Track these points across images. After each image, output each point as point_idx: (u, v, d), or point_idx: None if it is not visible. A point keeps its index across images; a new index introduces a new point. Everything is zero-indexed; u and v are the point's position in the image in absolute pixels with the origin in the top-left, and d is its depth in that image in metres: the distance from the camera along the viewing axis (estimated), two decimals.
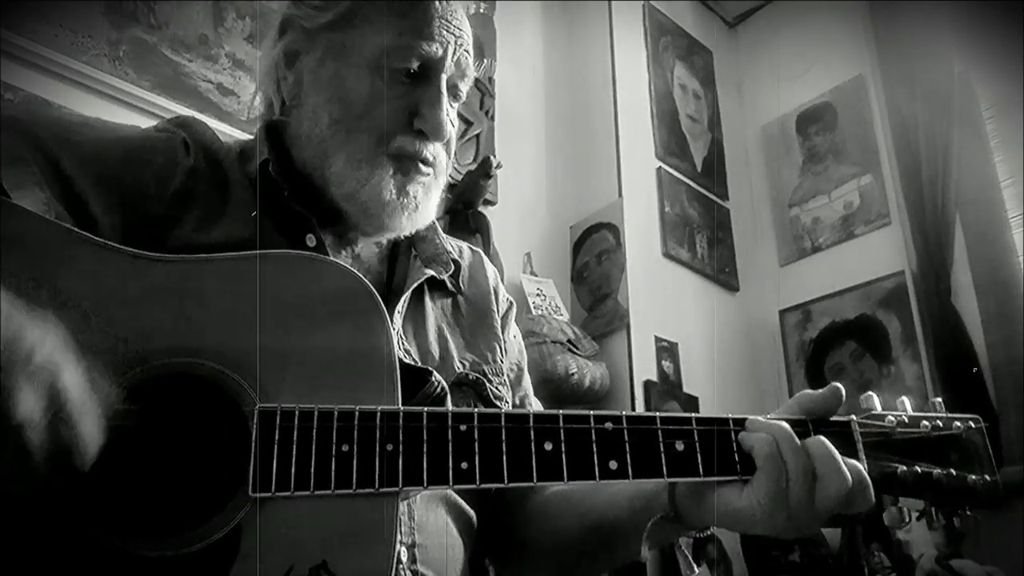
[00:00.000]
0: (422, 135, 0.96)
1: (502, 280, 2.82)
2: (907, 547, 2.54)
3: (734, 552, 2.76)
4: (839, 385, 0.85)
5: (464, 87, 1.04)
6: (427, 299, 1.05)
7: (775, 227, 3.71)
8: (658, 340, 3.03)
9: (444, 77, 0.98)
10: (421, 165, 0.97)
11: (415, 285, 1.01)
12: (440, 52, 0.97)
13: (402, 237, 1.08)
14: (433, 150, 0.98)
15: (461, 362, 1.02)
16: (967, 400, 2.76)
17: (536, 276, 3.00)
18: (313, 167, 0.98)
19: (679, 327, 3.13)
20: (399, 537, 0.76)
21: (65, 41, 2.03)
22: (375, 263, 1.06)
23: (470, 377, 1.01)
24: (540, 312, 2.82)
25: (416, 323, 1.01)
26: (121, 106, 2.10)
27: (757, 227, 3.77)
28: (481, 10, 3.24)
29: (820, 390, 0.86)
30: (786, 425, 0.80)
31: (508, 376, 1.11)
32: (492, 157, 2.82)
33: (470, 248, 1.21)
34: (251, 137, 1.07)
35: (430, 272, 1.05)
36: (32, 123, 0.87)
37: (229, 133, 1.84)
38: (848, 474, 0.76)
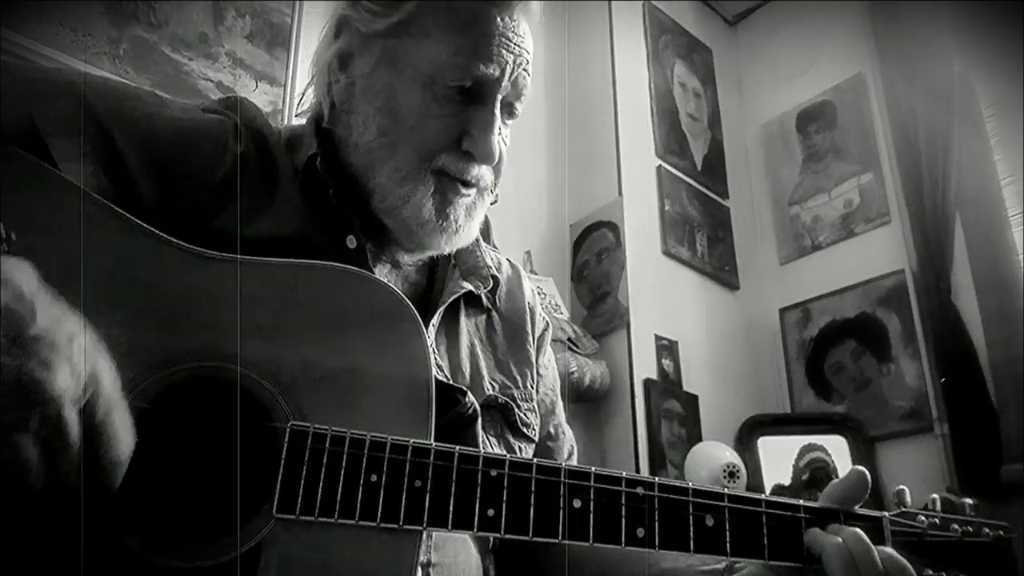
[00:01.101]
0: (470, 156, 0.94)
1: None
2: None
3: None
4: (864, 471, 0.85)
5: (519, 107, 1.01)
6: (462, 314, 1.03)
7: (775, 225, 3.71)
8: (658, 338, 3.03)
9: (499, 97, 0.95)
10: (462, 187, 0.94)
11: (452, 299, 1.00)
12: (497, 73, 0.92)
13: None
14: (478, 172, 0.96)
15: (491, 383, 1.00)
16: (967, 399, 2.76)
17: (536, 274, 3.00)
18: (359, 175, 0.96)
19: (679, 325, 3.14)
20: (417, 555, 0.75)
21: (65, 40, 2.03)
22: (413, 272, 1.04)
23: (499, 401, 0.99)
24: None
25: (449, 338, 0.99)
26: None
27: (757, 225, 3.77)
28: None
29: (844, 478, 0.85)
30: (862, 535, 0.79)
31: (543, 401, 1.09)
32: None
33: (510, 262, 1.19)
34: (297, 124, 1.05)
35: (468, 286, 1.03)
36: (87, 90, 0.85)
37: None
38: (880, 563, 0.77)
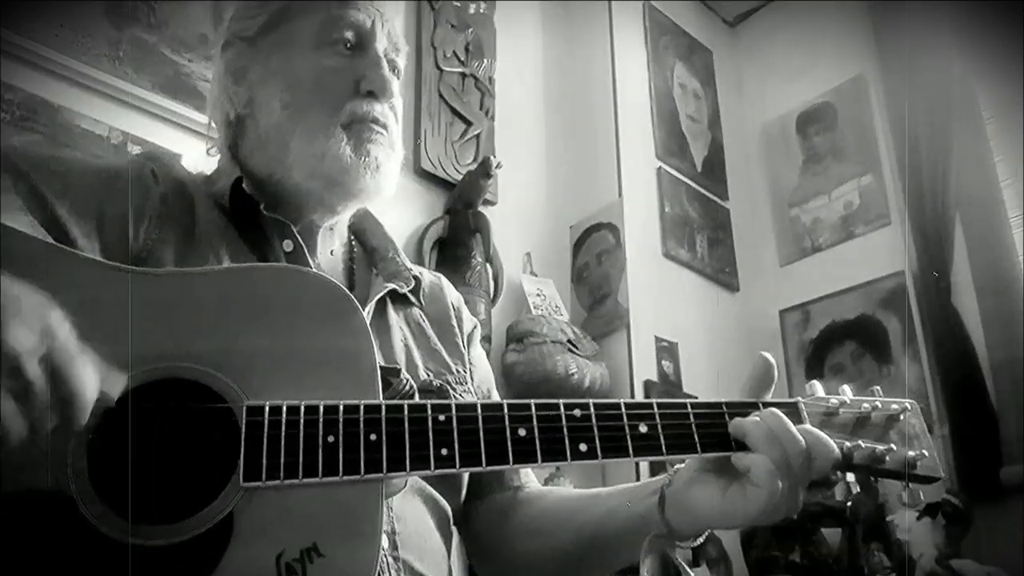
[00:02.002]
0: (371, 95, 1.02)
1: (502, 279, 2.82)
2: (907, 547, 2.54)
3: (734, 552, 2.76)
4: (767, 355, 0.93)
5: (401, 61, 1.10)
6: (390, 310, 1.08)
7: (775, 227, 3.71)
8: (658, 340, 3.03)
9: (379, 47, 1.06)
10: (374, 126, 1.02)
11: (378, 296, 1.05)
12: (369, 22, 1.05)
13: (359, 252, 1.14)
14: (382, 111, 1.03)
15: (426, 371, 1.06)
16: (967, 400, 2.76)
17: (536, 276, 3.00)
18: (274, 161, 1.03)
19: (679, 327, 3.13)
20: (384, 522, 0.79)
21: (65, 41, 2.03)
22: (335, 275, 1.08)
23: (434, 384, 1.04)
24: (540, 312, 2.82)
25: (380, 334, 1.03)
26: (121, 106, 2.10)
27: (757, 227, 3.77)
28: (481, 10, 3.24)
29: (751, 370, 0.93)
30: (776, 410, 0.86)
31: (479, 389, 1.14)
32: (492, 157, 2.82)
33: (431, 273, 1.25)
34: (213, 169, 1.11)
35: (391, 285, 1.08)
36: (13, 154, 0.92)
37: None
38: (834, 444, 0.85)
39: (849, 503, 2.64)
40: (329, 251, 1.11)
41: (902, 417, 0.95)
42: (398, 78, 1.09)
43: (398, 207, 2.67)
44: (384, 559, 0.88)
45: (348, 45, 1.04)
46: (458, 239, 2.73)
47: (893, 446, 0.92)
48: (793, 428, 0.84)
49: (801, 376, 3.38)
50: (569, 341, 2.75)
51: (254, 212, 1.01)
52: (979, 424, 2.72)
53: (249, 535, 0.71)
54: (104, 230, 0.91)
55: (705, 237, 3.46)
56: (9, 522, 0.67)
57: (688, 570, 0.97)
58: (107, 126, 2.06)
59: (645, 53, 3.55)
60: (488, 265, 2.75)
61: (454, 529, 1.07)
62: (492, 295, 2.75)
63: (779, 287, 3.57)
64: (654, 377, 2.94)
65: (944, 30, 3.20)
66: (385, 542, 0.88)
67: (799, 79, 3.77)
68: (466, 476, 1.08)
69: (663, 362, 3.01)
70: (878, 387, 0.96)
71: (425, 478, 0.99)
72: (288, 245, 1.01)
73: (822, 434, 0.85)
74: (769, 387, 0.92)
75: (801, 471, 0.83)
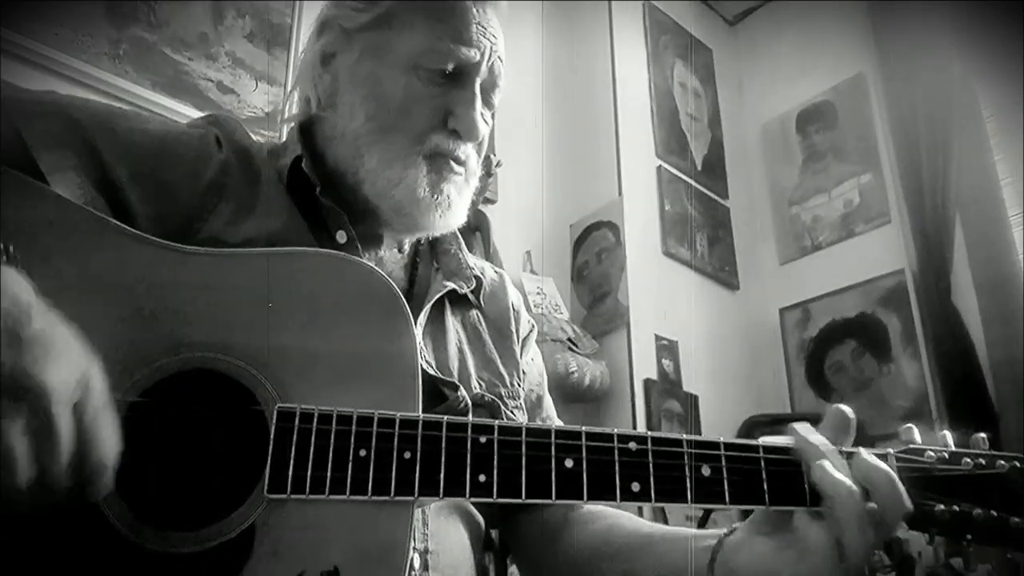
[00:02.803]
0: (456, 135, 0.98)
1: None
2: (907, 546, 2.54)
3: None
4: (844, 409, 0.82)
5: (496, 97, 1.05)
6: (448, 313, 1.04)
7: (775, 225, 3.71)
8: (658, 338, 3.03)
9: (478, 81, 1.00)
10: (454, 164, 0.98)
11: (437, 297, 1.01)
12: (476, 57, 0.99)
13: (423, 244, 1.09)
14: (466, 151, 0.99)
15: (478, 381, 1.02)
16: (967, 399, 2.76)
17: (536, 274, 3.00)
18: (347, 165, 0.99)
19: (679, 325, 3.14)
20: (413, 544, 0.75)
21: (65, 40, 2.03)
22: (397, 269, 1.06)
23: (486, 399, 1.00)
24: (540, 310, 2.82)
25: (436, 337, 1.00)
26: (121, 104, 2.10)
27: (757, 225, 3.77)
28: None
29: (826, 420, 0.82)
30: (888, 470, 0.76)
31: (528, 398, 1.10)
32: (492, 155, 2.81)
33: (494, 269, 1.20)
34: (278, 140, 1.08)
35: (452, 285, 1.04)
36: (72, 107, 0.88)
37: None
38: (908, 500, 0.74)
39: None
40: (395, 248, 1.07)
41: (1009, 476, 0.83)
42: (491, 111, 1.05)
43: None
44: None
45: (446, 74, 0.97)
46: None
47: (994, 512, 0.80)
48: (902, 490, 0.73)
49: (801, 375, 3.38)
50: (569, 339, 2.75)
51: (312, 195, 0.97)
52: (979, 423, 2.72)
53: (269, 551, 0.69)
54: (160, 196, 0.87)
55: (705, 235, 3.46)
56: (34, 525, 0.65)
57: None
58: None
59: (645, 52, 3.55)
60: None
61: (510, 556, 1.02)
62: None
63: (779, 285, 3.57)
64: (654, 375, 2.94)
65: (944, 29, 3.20)
66: (417, 561, 0.85)
67: (799, 78, 3.77)
68: None
69: (663, 360, 3.01)
70: (984, 435, 0.85)
71: None
72: (342, 236, 0.97)
73: (902, 492, 0.73)
74: (848, 438, 0.80)
75: (876, 540, 0.72)
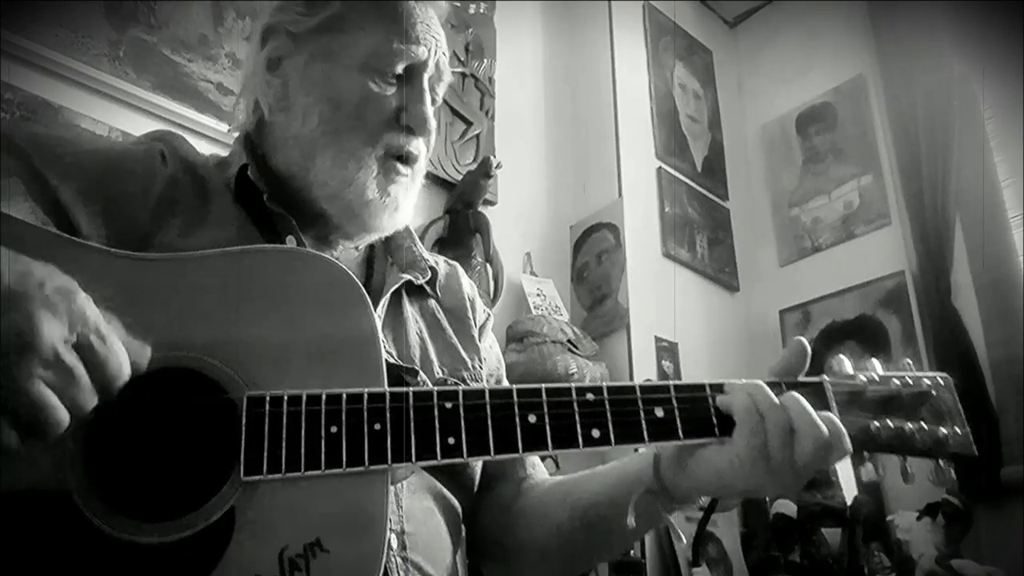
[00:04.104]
0: (409, 131, 1.01)
1: (502, 279, 2.82)
2: (907, 547, 2.54)
3: (734, 553, 2.76)
4: (802, 339, 0.90)
5: (441, 90, 1.09)
6: (406, 303, 1.07)
7: (775, 227, 3.71)
8: (658, 340, 3.03)
9: (427, 77, 1.04)
10: (400, 166, 1.01)
11: (394, 288, 1.03)
12: (425, 54, 1.02)
13: (379, 242, 1.12)
14: (418, 146, 1.03)
15: (441, 367, 1.04)
16: (967, 400, 2.76)
17: (536, 276, 3.00)
18: (298, 168, 1.01)
19: (679, 327, 3.13)
20: (389, 521, 0.77)
21: (65, 41, 2.04)
22: (353, 267, 1.07)
23: (448, 383, 1.02)
24: (540, 312, 2.82)
25: (395, 328, 1.02)
26: (121, 106, 2.10)
27: (757, 227, 3.77)
28: (481, 10, 3.24)
29: (785, 351, 0.90)
30: (761, 383, 0.84)
31: (488, 381, 1.13)
32: (492, 157, 2.82)
33: (446, 261, 1.24)
34: (227, 153, 1.09)
35: (407, 276, 1.07)
36: (16, 137, 0.89)
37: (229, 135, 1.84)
38: (823, 425, 0.80)
39: (849, 505, 2.64)
40: (352, 247, 1.09)
41: (934, 393, 0.90)
42: (436, 105, 1.07)
43: None
44: (393, 559, 0.86)
45: (397, 73, 1.01)
46: (458, 239, 2.73)
47: (924, 424, 0.88)
48: (776, 404, 0.81)
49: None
50: (569, 341, 2.75)
51: (260, 202, 0.99)
52: (979, 424, 2.72)
53: (251, 530, 0.70)
54: (110, 213, 0.89)
55: (705, 237, 3.46)
56: (9, 521, 0.66)
57: (678, 530, 0.94)
58: (107, 126, 2.06)
59: (645, 53, 3.55)
60: (488, 265, 2.75)
61: (463, 528, 1.06)
62: (492, 295, 2.75)
63: (779, 287, 3.57)
64: (654, 377, 2.93)
65: (944, 30, 3.20)
66: (394, 542, 0.87)
67: (799, 79, 3.77)
68: (477, 472, 1.07)
69: (663, 362, 3.01)
70: (909, 360, 0.93)
71: (436, 475, 0.97)
72: (291, 241, 0.99)
73: (842, 431, 0.81)
74: (798, 372, 0.89)
75: (781, 451, 0.79)
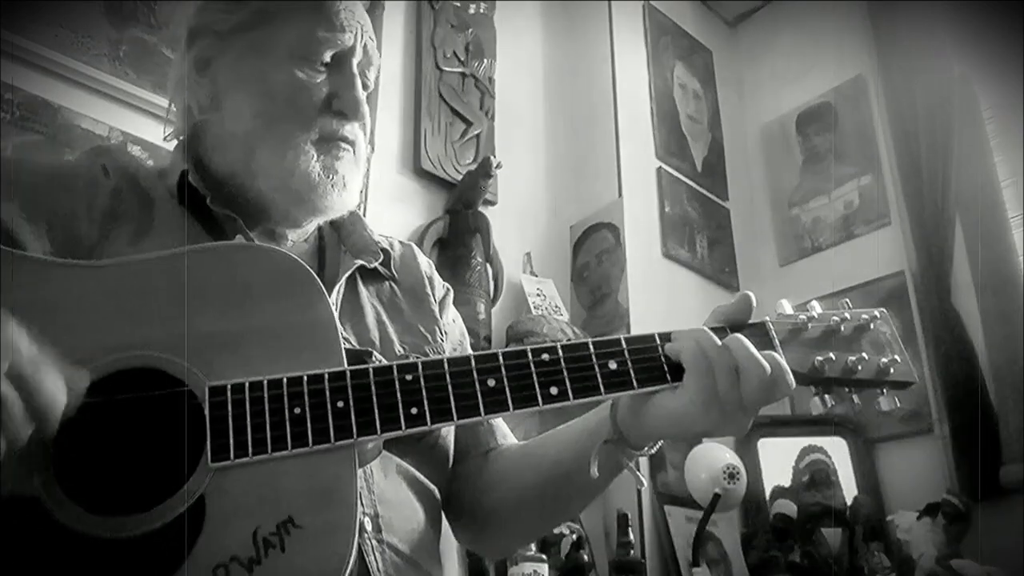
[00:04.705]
0: (342, 115, 1.03)
1: (502, 279, 2.81)
2: (907, 547, 2.54)
3: (734, 553, 2.76)
4: (748, 292, 0.96)
5: (372, 75, 1.10)
6: (361, 287, 1.08)
7: (775, 227, 3.71)
8: None
9: (355, 62, 1.06)
10: (342, 143, 1.03)
11: (347, 274, 1.04)
12: (351, 40, 1.04)
13: (329, 231, 1.13)
14: (353, 130, 1.04)
15: (401, 346, 1.05)
16: (967, 400, 2.76)
17: (536, 276, 3.00)
18: (238, 165, 1.02)
19: (679, 327, 3.11)
20: (361, 504, 0.79)
21: (65, 41, 2.03)
22: (305, 258, 1.07)
23: (410, 359, 1.03)
24: (540, 312, 2.82)
25: (353, 312, 1.04)
26: (121, 106, 2.10)
27: (757, 227, 3.77)
28: (481, 10, 3.24)
29: (733, 301, 0.97)
30: (706, 329, 0.89)
31: (453, 354, 1.13)
32: (492, 157, 2.82)
33: (400, 241, 1.24)
34: (168, 162, 1.11)
35: (360, 261, 1.08)
36: None
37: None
38: (765, 363, 0.84)
39: (849, 504, 2.64)
40: (301, 240, 1.11)
41: (872, 326, 0.94)
42: (368, 89, 1.09)
43: (398, 207, 2.68)
44: (368, 541, 0.88)
45: (325, 61, 1.03)
46: (458, 239, 2.73)
47: (865, 355, 0.91)
48: (721, 347, 0.85)
49: None
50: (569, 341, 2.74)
51: (204, 205, 1.00)
52: (979, 424, 2.72)
53: (223, 515, 0.71)
54: (55, 230, 0.90)
55: (705, 237, 3.46)
56: None
57: (639, 475, 0.97)
58: (107, 126, 2.06)
59: (645, 53, 3.55)
60: (488, 265, 2.75)
61: (442, 513, 1.07)
62: (492, 295, 2.75)
63: (779, 287, 3.56)
64: None
65: (944, 30, 3.20)
66: (368, 524, 0.89)
67: (799, 79, 3.77)
68: (451, 448, 1.08)
69: None
70: (847, 300, 0.97)
71: (409, 459, 0.98)
72: (239, 240, 1.00)
73: (785, 368, 0.85)
74: (741, 317, 0.95)
75: (729, 391, 0.83)
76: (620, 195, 3.17)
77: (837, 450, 2.94)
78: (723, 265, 3.50)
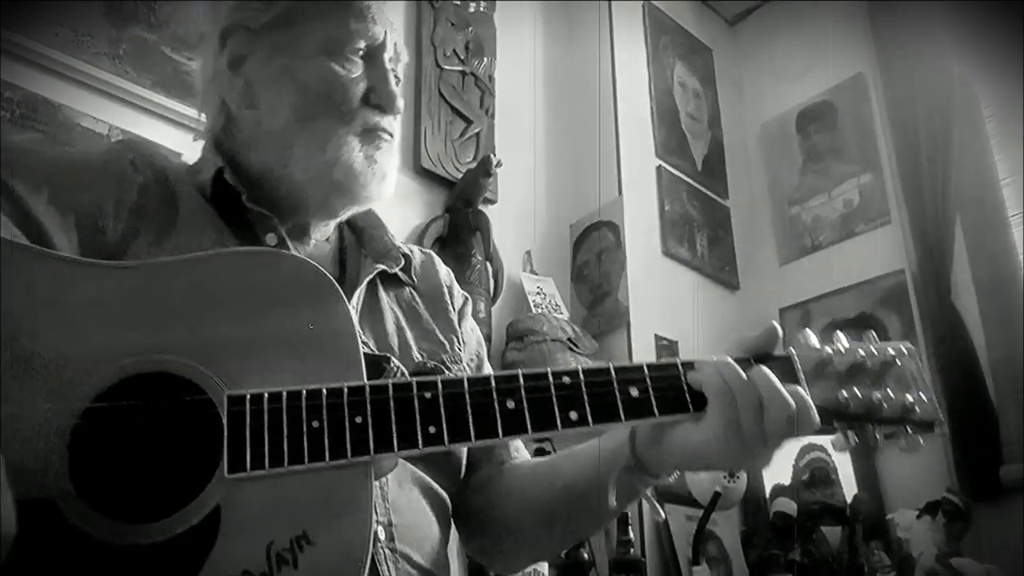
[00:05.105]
0: (380, 109, 1.03)
1: (502, 277, 2.81)
2: (907, 545, 2.54)
3: (734, 552, 2.76)
4: (776, 324, 0.92)
5: (400, 72, 1.10)
6: (381, 293, 1.08)
7: (775, 225, 3.71)
8: (658, 338, 3.03)
9: (386, 56, 1.06)
10: (383, 135, 1.04)
11: (368, 279, 1.04)
12: (381, 34, 1.05)
13: (350, 235, 1.13)
14: (389, 123, 1.05)
15: (419, 352, 1.05)
16: (967, 399, 2.76)
17: (536, 274, 3.00)
18: (273, 160, 1.02)
19: (679, 325, 3.13)
20: (375, 513, 0.78)
21: (65, 40, 2.03)
22: (327, 262, 1.08)
23: (428, 366, 1.04)
24: (540, 310, 2.82)
25: (373, 317, 1.03)
26: (121, 104, 2.10)
27: (757, 225, 3.77)
28: (481, 8, 3.24)
29: (760, 333, 0.92)
30: (730, 360, 0.85)
31: (468, 366, 1.14)
32: (492, 155, 2.82)
33: (420, 250, 1.24)
34: (197, 159, 1.10)
35: (381, 266, 1.08)
36: None
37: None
38: (790, 398, 0.82)
39: (850, 503, 2.64)
40: (323, 239, 1.11)
41: (899, 362, 0.92)
42: (397, 85, 1.09)
43: (398, 206, 2.68)
44: (381, 550, 0.87)
45: (360, 55, 1.03)
46: (458, 237, 2.73)
47: (890, 392, 0.89)
48: (745, 379, 0.82)
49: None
50: (569, 339, 2.75)
51: (237, 203, 1.00)
52: (979, 423, 2.72)
53: (237, 527, 0.70)
54: (81, 223, 0.89)
55: (705, 236, 3.46)
56: None
57: (657, 505, 0.95)
58: (107, 124, 2.06)
59: (645, 52, 3.55)
60: (488, 263, 2.75)
61: (451, 520, 1.07)
62: (492, 293, 2.75)
63: (779, 285, 3.57)
64: None
65: (944, 29, 3.20)
66: (382, 534, 0.88)
67: (799, 78, 3.77)
68: (463, 459, 1.08)
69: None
70: (873, 332, 0.95)
71: (422, 466, 0.98)
72: (272, 239, 1.00)
73: (781, 389, 0.82)
74: (766, 349, 0.90)
75: (752, 425, 0.81)
76: (620, 193, 3.17)
77: None
78: (723, 264, 3.50)
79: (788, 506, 2.68)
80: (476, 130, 3.04)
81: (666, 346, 3.04)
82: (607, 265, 3.09)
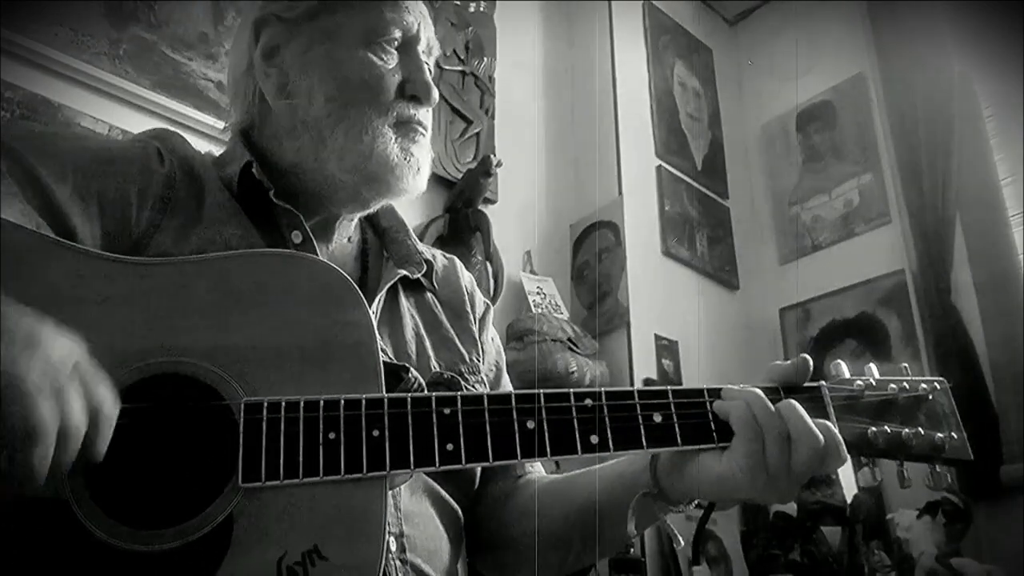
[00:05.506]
0: (416, 100, 1.03)
1: (502, 277, 2.81)
2: (907, 545, 2.54)
3: (734, 551, 2.76)
4: (807, 356, 0.89)
5: (432, 64, 1.11)
6: (402, 298, 1.06)
7: (775, 225, 3.71)
8: (658, 338, 3.03)
9: (421, 48, 1.06)
10: (418, 127, 1.03)
11: (389, 284, 1.03)
12: (416, 26, 1.05)
13: (373, 237, 1.12)
14: (425, 114, 1.04)
15: (437, 362, 1.04)
16: (967, 399, 2.76)
17: (536, 274, 3.00)
18: (306, 151, 1.01)
19: (679, 325, 3.13)
20: (388, 524, 0.77)
21: (65, 40, 2.03)
22: (349, 262, 1.07)
23: (445, 376, 1.02)
24: (540, 310, 2.82)
25: (392, 323, 1.02)
26: (121, 104, 2.10)
27: (757, 225, 3.77)
28: (481, 8, 3.24)
29: (790, 360, 0.90)
30: (759, 391, 0.83)
31: (487, 376, 1.12)
32: (492, 156, 2.82)
33: (443, 255, 1.23)
34: (223, 150, 1.08)
35: (403, 271, 1.06)
36: (9, 137, 0.88)
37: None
38: (819, 433, 0.80)
39: (850, 503, 2.64)
40: (345, 239, 1.09)
41: (931, 397, 0.90)
42: (432, 76, 1.09)
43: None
44: (392, 562, 0.86)
45: (395, 46, 1.03)
46: (458, 237, 2.73)
47: (920, 429, 0.87)
48: (773, 412, 0.81)
49: None
50: (569, 339, 2.75)
51: (264, 198, 0.98)
52: (979, 423, 2.72)
53: (249, 538, 0.69)
54: (106, 213, 0.88)
55: (705, 235, 3.46)
56: (7, 532, 0.66)
57: (677, 534, 0.94)
58: (107, 124, 2.05)
59: (645, 52, 3.55)
60: (488, 263, 2.75)
61: (463, 531, 1.05)
62: (492, 293, 2.75)
63: (779, 285, 3.57)
64: (654, 375, 2.93)
65: (943, 28, 3.20)
66: (393, 544, 0.87)
67: (799, 78, 3.76)
68: (477, 472, 1.06)
69: (663, 360, 3.01)
70: (906, 364, 0.93)
71: (435, 477, 0.97)
72: (297, 236, 0.98)
73: (810, 424, 0.80)
74: (796, 380, 0.89)
75: (779, 459, 0.79)
76: (620, 193, 3.17)
77: None
78: (723, 263, 3.50)
79: (788, 506, 2.68)
80: (476, 130, 3.04)
81: (666, 346, 3.04)
82: (607, 265, 3.09)
